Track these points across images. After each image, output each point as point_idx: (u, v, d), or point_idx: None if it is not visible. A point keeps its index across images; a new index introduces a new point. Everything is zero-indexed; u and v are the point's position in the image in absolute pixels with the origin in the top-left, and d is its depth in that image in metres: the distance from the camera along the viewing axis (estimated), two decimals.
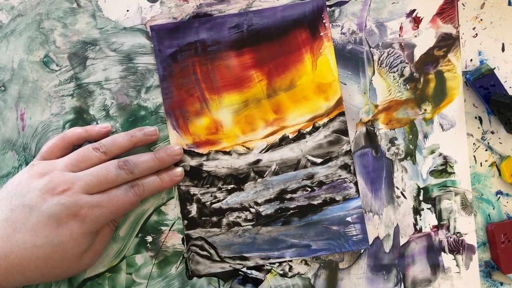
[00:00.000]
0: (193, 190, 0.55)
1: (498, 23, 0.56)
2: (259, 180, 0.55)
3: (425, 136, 0.56)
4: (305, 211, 0.55)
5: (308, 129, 0.55)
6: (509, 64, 0.56)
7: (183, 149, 0.55)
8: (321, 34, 0.55)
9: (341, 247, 0.55)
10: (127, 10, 0.55)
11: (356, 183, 0.55)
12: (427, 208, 0.56)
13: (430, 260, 0.56)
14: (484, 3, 0.56)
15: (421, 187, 0.56)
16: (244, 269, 0.55)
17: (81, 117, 0.55)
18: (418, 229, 0.56)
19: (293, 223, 0.55)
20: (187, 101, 0.55)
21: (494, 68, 0.55)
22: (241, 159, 0.55)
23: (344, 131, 0.55)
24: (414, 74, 0.56)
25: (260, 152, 0.55)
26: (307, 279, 0.55)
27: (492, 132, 0.56)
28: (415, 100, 0.56)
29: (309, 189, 0.55)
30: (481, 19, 0.56)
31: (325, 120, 0.55)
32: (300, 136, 0.55)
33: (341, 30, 0.55)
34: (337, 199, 0.55)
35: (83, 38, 0.55)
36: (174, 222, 0.55)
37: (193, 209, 0.55)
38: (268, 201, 0.55)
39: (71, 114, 0.55)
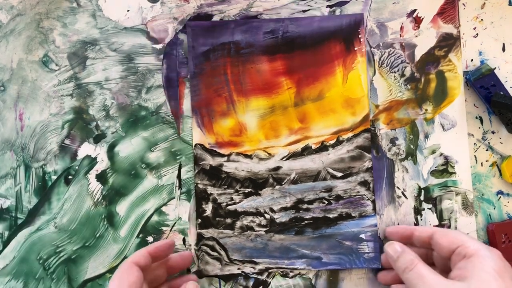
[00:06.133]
0: (210, 190, 0.55)
1: (498, 23, 0.56)
2: (277, 187, 0.55)
3: (426, 136, 0.56)
4: (319, 223, 0.55)
5: (331, 142, 0.55)
6: (510, 64, 0.56)
7: (205, 147, 0.55)
8: (355, 49, 0.55)
9: (352, 263, 0.55)
10: (128, 10, 0.55)
11: (374, 201, 0.55)
12: (428, 208, 0.56)
13: None
14: (484, 3, 0.56)
15: (422, 187, 0.56)
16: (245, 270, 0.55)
17: (80, 117, 0.55)
18: None
19: (307, 233, 0.55)
20: (215, 100, 0.55)
21: (495, 68, 0.55)
22: (261, 164, 0.55)
23: (367, 148, 0.55)
24: (415, 74, 0.56)
25: (281, 159, 0.55)
26: (308, 279, 0.55)
27: (493, 132, 0.56)
28: (416, 100, 0.56)
29: (326, 202, 0.55)
30: (482, 19, 0.56)
31: (350, 135, 0.55)
32: (323, 148, 0.55)
33: None
34: (353, 215, 0.55)
35: (83, 37, 0.55)
36: (175, 222, 0.55)
37: (208, 208, 0.55)
38: (284, 209, 0.55)
39: (71, 114, 0.55)
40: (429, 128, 0.56)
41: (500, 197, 0.56)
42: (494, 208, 0.56)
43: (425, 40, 0.56)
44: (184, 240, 0.55)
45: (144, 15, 0.55)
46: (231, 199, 0.55)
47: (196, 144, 0.55)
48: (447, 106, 0.56)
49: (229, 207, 0.55)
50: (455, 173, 0.56)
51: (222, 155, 0.55)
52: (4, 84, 0.55)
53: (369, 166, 0.55)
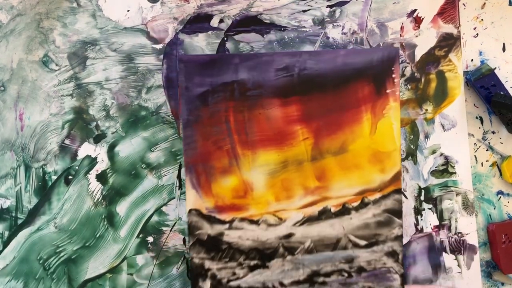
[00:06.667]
0: (208, 264, 0.46)
1: (498, 23, 0.56)
2: (289, 257, 0.46)
3: (426, 136, 0.56)
4: None
5: (355, 204, 0.47)
6: (510, 64, 0.56)
7: (202, 213, 0.47)
8: (387, 91, 0.47)
9: None
10: (128, 10, 0.55)
11: (402, 275, 0.47)
12: (428, 208, 0.56)
13: (432, 260, 0.55)
14: (484, 3, 0.56)
15: (422, 187, 0.56)
16: None
17: (80, 117, 0.55)
18: (419, 229, 0.56)
19: None
20: (214, 155, 0.46)
21: (495, 68, 0.55)
22: (270, 231, 0.46)
23: (397, 212, 0.47)
24: (415, 74, 0.56)
25: (294, 224, 0.47)
26: None
27: (493, 132, 0.56)
28: (416, 100, 0.56)
29: (346, 274, 0.46)
30: (482, 19, 0.56)
31: (377, 196, 0.47)
32: (344, 211, 0.47)
33: (342, 30, 0.55)
34: None
35: (83, 37, 0.55)
36: (175, 222, 0.54)
37: (206, 286, 0.47)
38: (296, 283, 0.46)
39: (71, 114, 0.55)
40: (430, 128, 0.56)
41: (500, 197, 0.56)
42: (495, 208, 0.56)
43: (425, 40, 0.56)
44: (184, 240, 0.54)
45: (144, 15, 0.55)
46: (233, 274, 0.46)
47: (190, 210, 0.47)
48: (448, 106, 0.56)
49: (231, 283, 0.46)
50: (455, 173, 0.56)
51: (223, 222, 0.47)
52: (4, 84, 0.55)
53: (399, 234, 0.47)
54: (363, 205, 0.47)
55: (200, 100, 0.46)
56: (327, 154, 0.46)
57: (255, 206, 0.46)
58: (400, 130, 0.46)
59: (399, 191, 0.47)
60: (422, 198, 0.56)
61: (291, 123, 0.46)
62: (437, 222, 0.56)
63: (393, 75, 0.46)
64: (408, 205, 0.55)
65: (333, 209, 0.47)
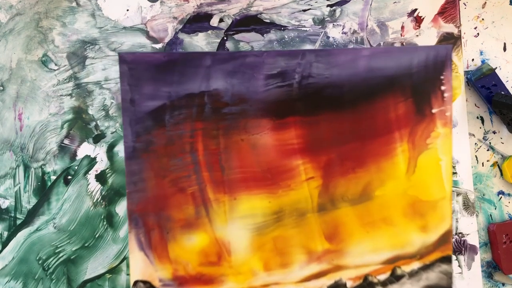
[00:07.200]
0: None
1: (499, 22, 0.56)
2: None
3: None
4: None
5: (382, 277, 0.34)
6: (511, 64, 0.56)
7: (154, 287, 0.33)
8: (433, 112, 0.33)
9: None
10: (127, 10, 0.54)
11: None
12: None
13: None
14: (485, 2, 0.56)
15: None
16: None
17: (80, 117, 0.55)
18: None
19: None
20: (173, 200, 0.33)
21: (496, 68, 0.55)
22: None
23: None
24: None
25: None
26: None
27: (494, 132, 0.56)
28: None
29: None
30: (483, 19, 0.56)
31: (416, 265, 0.35)
32: (366, 286, 0.34)
33: (342, 29, 0.55)
34: None
35: (82, 37, 0.54)
36: None
37: None
38: None
39: (70, 114, 0.55)
40: None
41: (501, 197, 0.56)
42: (495, 209, 0.56)
43: (426, 40, 0.55)
44: None
45: (144, 15, 0.54)
46: None
47: (136, 282, 0.34)
48: None
49: None
50: (456, 173, 0.56)
51: None
52: (3, 84, 0.54)
53: None
54: (394, 278, 0.34)
55: (153, 119, 0.32)
56: (342, 203, 0.33)
57: (234, 278, 0.33)
58: (452, 169, 0.31)
59: (448, 259, 0.33)
60: None
61: (288, 155, 0.32)
62: None
63: (443, 87, 0.33)
64: None
65: (349, 284, 0.34)
